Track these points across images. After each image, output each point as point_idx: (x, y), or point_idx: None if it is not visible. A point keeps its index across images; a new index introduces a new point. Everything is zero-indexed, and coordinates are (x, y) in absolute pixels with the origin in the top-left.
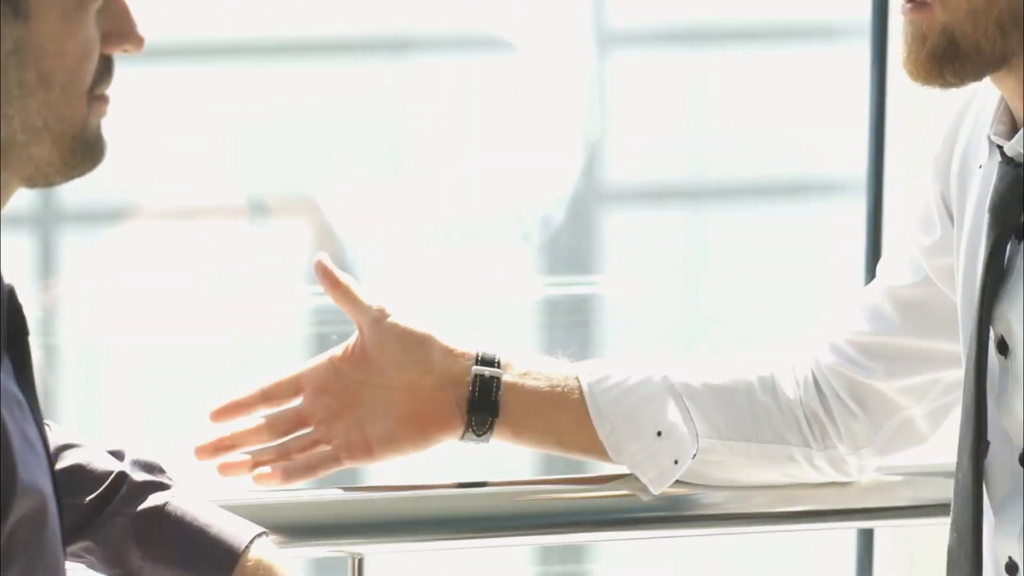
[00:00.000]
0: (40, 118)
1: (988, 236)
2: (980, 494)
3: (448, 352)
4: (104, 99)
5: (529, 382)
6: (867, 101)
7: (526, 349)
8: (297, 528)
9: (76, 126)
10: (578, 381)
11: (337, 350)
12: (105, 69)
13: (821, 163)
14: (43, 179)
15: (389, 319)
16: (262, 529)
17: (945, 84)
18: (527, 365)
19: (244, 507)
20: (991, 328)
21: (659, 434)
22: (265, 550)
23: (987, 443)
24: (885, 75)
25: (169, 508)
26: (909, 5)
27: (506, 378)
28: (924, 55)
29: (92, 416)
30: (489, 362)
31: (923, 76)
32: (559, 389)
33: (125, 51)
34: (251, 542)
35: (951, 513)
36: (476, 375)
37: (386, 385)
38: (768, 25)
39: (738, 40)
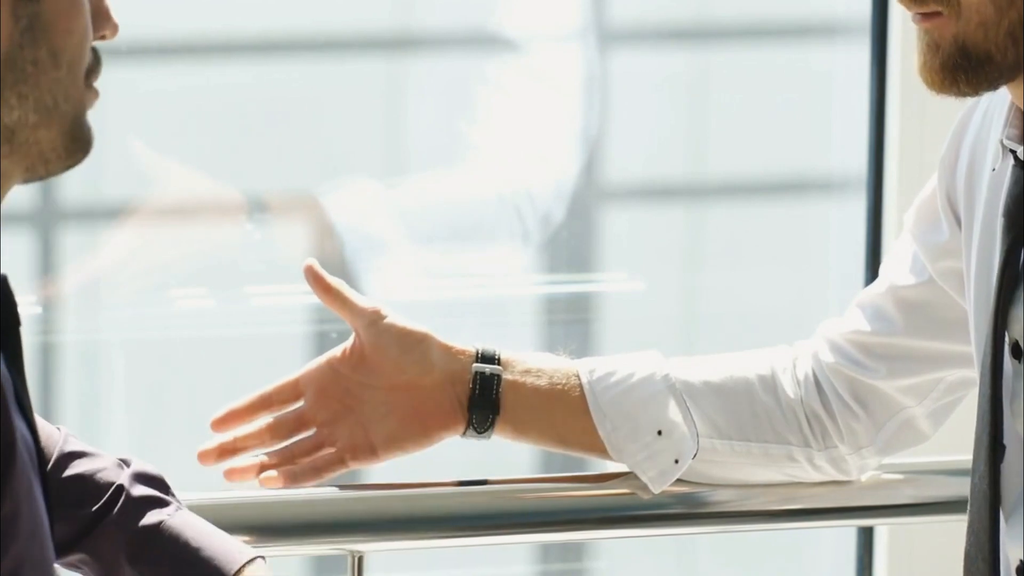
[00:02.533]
0: (51, 96)
1: (1003, 240)
2: (997, 497)
3: (447, 350)
4: (95, 91)
5: (530, 380)
6: (867, 100)
7: (526, 348)
8: (297, 526)
9: (79, 108)
10: (579, 379)
11: (335, 352)
12: (95, 61)
13: (821, 162)
14: (44, 167)
15: (385, 320)
16: (258, 554)
17: (960, 93)
18: (528, 363)
19: (244, 505)
20: (1006, 332)
21: (659, 433)
22: (259, 574)
23: (1003, 447)
24: (885, 74)
25: (164, 527)
26: (919, 16)
27: (507, 376)
28: (938, 64)
29: (92, 414)
30: (489, 359)
31: (938, 85)
32: (560, 387)
33: (103, 38)
34: (244, 566)
35: (967, 516)
36: (476, 372)
37: (386, 386)
38: (768, 24)
39: (738, 39)
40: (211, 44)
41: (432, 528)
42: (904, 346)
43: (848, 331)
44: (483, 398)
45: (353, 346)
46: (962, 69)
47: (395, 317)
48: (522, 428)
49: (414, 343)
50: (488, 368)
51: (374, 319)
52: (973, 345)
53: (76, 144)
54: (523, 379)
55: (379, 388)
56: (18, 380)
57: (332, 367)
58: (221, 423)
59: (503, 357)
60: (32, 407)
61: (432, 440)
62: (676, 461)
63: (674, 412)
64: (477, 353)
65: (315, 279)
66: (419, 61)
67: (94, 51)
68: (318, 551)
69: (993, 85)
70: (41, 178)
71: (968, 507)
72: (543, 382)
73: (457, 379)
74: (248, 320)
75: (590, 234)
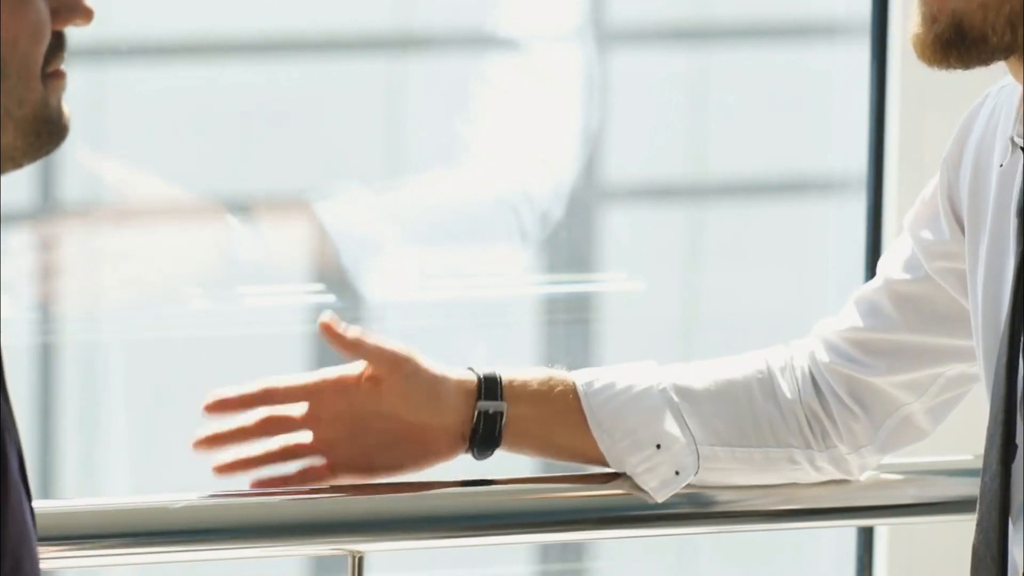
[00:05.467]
0: (2, 106)
1: (1017, 240)
2: (1007, 497)
3: (460, 391)
4: (59, 75)
5: (531, 409)
6: (867, 100)
7: (526, 349)
8: (297, 526)
9: (37, 107)
10: (576, 393)
11: (349, 373)
12: (56, 45)
13: (821, 162)
14: (12, 163)
15: (416, 369)
16: None
17: (949, 67)
18: (528, 385)
19: (244, 506)
20: (1023, 333)
21: (658, 447)
22: None
23: (1015, 447)
24: (885, 74)
25: None
26: None
27: (509, 409)
28: (932, 37)
29: (92, 414)
30: (492, 390)
31: (928, 57)
32: (559, 406)
33: (76, 24)
34: None
35: (977, 514)
36: (481, 412)
37: (397, 420)
38: (768, 24)
39: (738, 39)
40: (211, 44)
41: (432, 528)
42: (901, 341)
43: (844, 329)
44: (486, 435)
45: (373, 379)
46: (955, 46)
47: (424, 363)
48: (521, 450)
49: (437, 390)
50: (491, 406)
51: (406, 368)
52: (980, 345)
53: (41, 139)
54: (524, 410)
55: (390, 420)
56: (2, 399)
57: (345, 389)
58: (215, 409)
59: (504, 382)
60: (14, 419)
61: (431, 466)
62: (677, 473)
63: (671, 426)
64: (480, 386)
65: (333, 336)
66: (419, 61)
67: (57, 35)
68: (318, 551)
69: (985, 62)
70: (14, 169)
71: (978, 505)
72: (543, 409)
73: (464, 419)
74: (248, 320)
75: (590, 234)
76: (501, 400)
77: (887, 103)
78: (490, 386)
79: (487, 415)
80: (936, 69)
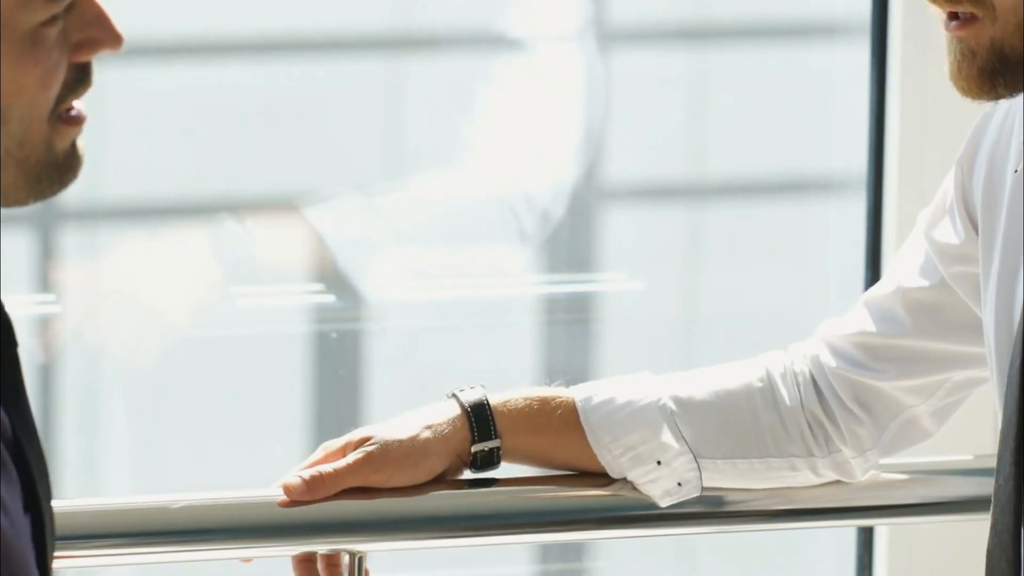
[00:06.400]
0: (1, 148)
1: None
2: (1022, 500)
3: (444, 442)
4: (73, 120)
5: (528, 439)
6: (867, 100)
7: (525, 349)
8: (297, 526)
9: (39, 150)
10: (575, 411)
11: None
12: (77, 79)
13: (821, 162)
14: (12, 201)
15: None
16: None
17: (997, 97)
18: (523, 414)
19: (244, 506)
20: None
21: (659, 463)
22: None
23: None
24: (885, 74)
25: None
26: (955, 22)
27: (506, 442)
28: (975, 71)
29: (92, 415)
30: (484, 428)
31: (975, 91)
32: (558, 429)
33: (105, 53)
34: None
35: (991, 516)
36: (476, 453)
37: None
38: (768, 24)
39: (738, 39)
40: (211, 44)
41: (432, 528)
42: (913, 347)
43: (852, 333)
44: (483, 468)
45: None
46: (1000, 73)
47: (393, 435)
48: (522, 464)
49: (418, 457)
50: (488, 445)
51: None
52: (992, 348)
53: (42, 182)
54: (521, 440)
55: None
56: (15, 411)
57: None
58: None
59: (494, 409)
60: (37, 434)
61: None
62: (679, 484)
63: (671, 442)
64: (471, 423)
65: (301, 492)
66: (419, 61)
67: (80, 67)
68: (318, 551)
69: None
70: (16, 206)
71: (992, 508)
72: (540, 436)
73: (459, 459)
74: (247, 320)
75: (590, 234)
76: (495, 437)
77: (887, 103)
78: (481, 422)
79: (483, 453)
80: (983, 101)
